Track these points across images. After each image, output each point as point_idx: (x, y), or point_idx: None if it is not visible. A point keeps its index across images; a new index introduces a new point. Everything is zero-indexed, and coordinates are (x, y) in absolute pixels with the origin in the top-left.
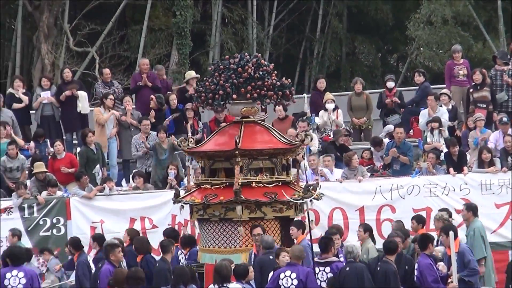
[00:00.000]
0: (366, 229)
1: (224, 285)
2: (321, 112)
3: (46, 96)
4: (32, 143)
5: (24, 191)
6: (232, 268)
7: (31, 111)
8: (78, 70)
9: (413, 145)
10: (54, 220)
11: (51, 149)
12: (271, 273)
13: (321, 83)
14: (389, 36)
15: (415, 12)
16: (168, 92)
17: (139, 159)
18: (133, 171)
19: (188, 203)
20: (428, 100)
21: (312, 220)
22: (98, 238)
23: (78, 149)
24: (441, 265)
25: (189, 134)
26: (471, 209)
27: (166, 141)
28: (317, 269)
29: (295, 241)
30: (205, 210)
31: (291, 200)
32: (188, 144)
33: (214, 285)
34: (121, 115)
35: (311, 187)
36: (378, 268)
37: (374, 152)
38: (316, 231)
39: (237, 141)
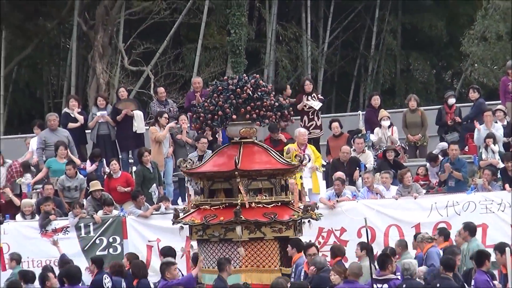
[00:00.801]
0: (363, 247)
1: None
2: (376, 129)
3: (102, 115)
4: (88, 162)
5: (80, 210)
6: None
7: (86, 131)
8: (133, 89)
9: (468, 162)
10: (111, 239)
11: (107, 169)
12: None
13: (376, 100)
14: (443, 52)
15: (469, 28)
16: None
17: None
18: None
19: (187, 224)
20: (484, 116)
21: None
22: (97, 261)
23: (134, 168)
24: (497, 283)
25: None
26: (468, 229)
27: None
28: (375, 286)
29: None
30: (205, 230)
31: (291, 220)
32: (186, 166)
33: None
34: (177, 133)
35: (310, 207)
36: (438, 285)
37: (430, 169)
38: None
39: (237, 161)
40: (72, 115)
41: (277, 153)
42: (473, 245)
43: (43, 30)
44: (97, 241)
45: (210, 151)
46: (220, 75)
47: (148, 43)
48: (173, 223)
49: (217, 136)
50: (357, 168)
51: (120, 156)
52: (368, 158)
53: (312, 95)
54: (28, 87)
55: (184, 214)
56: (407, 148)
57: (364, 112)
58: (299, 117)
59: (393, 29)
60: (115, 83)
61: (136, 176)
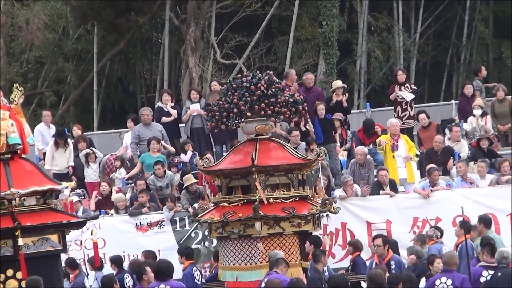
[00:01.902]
0: (462, 226)
1: None
2: (470, 118)
3: (195, 109)
4: (182, 155)
5: (175, 204)
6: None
7: (180, 125)
8: (226, 82)
9: None
10: (206, 232)
11: (199, 162)
12: (423, 279)
13: (469, 89)
14: None
15: None
16: (317, 101)
17: None
18: None
19: (206, 222)
20: None
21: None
22: (116, 261)
23: None
24: None
25: (338, 143)
26: (483, 221)
27: (315, 151)
28: (485, 272)
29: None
30: (224, 228)
31: (309, 214)
32: (203, 164)
33: None
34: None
35: (328, 201)
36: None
37: None
38: None
39: (254, 157)
40: (166, 109)
41: (293, 148)
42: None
43: (135, 25)
44: (193, 234)
45: (303, 143)
46: (313, 67)
47: (240, 36)
48: (191, 221)
49: (307, 127)
50: (451, 158)
51: (214, 149)
52: (463, 147)
53: (405, 85)
54: (121, 82)
55: (203, 212)
56: (499, 137)
57: (457, 101)
58: (392, 107)
59: (485, 18)
60: (208, 76)
61: None
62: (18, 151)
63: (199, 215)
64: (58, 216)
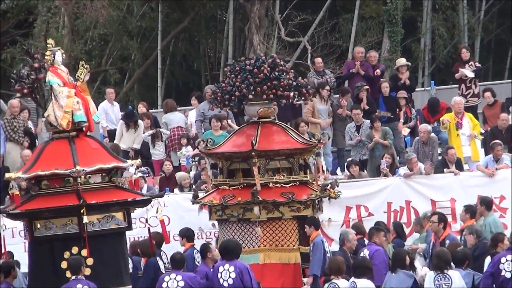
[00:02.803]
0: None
1: (445, 271)
2: None
3: None
4: None
5: None
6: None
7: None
8: (290, 60)
9: None
10: None
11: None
12: (488, 258)
13: None
14: None
15: None
16: (381, 80)
17: (353, 148)
18: (348, 159)
19: (206, 204)
20: None
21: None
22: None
23: None
24: None
25: (401, 121)
26: (485, 203)
27: (379, 130)
28: None
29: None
30: (224, 211)
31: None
32: (206, 146)
33: (435, 271)
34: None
35: (329, 185)
36: None
37: None
38: None
39: (253, 142)
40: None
41: (296, 132)
42: (489, 220)
43: (199, 3)
44: None
45: (367, 121)
46: (377, 45)
47: (304, 14)
48: (192, 203)
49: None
50: None
51: None
52: None
53: (469, 63)
54: (185, 60)
55: (203, 194)
56: None
57: None
58: (457, 85)
59: None
60: (273, 54)
61: None
62: (84, 129)
63: (199, 198)
64: (123, 194)
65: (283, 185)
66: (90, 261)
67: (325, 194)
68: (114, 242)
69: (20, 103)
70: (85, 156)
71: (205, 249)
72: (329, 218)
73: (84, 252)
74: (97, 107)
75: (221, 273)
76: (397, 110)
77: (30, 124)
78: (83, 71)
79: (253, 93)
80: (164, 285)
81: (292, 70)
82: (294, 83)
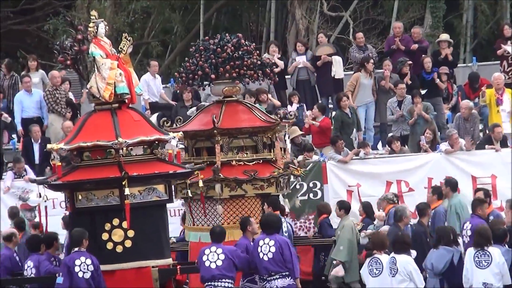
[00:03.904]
0: (341, 207)
1: (485, 248)
2: None
3: (301, 60)
4: (289, 107)
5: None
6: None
7: (286, 76)
8: (332, 35)
9: None
10: (311, 184)
11: (307, 113)
12: None
13: None
14: None
15: None
16: (423, 55)
17: (395, 123)
18: (389, 134)
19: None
20: None
21: None
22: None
23: (333, 113)
24: None
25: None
26: (450, 185)
27: (420, 106)
28: None
29: None
30: (189, 188)
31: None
32: (173, 124)
33: (475, 248)
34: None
35: (298, 164)
36: None
37: None
38: None
39: (215, 120)
40: (273, 61)
41: (262, 110)
42: (455, 201)
43: None
44: (297, 186)
45: (409, 96)
46: (419, 21)
47: None
48: None
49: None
50: None
51: (319, 101)
52: None
53: (511, 40)
54: (228, 33)
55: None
56: None
57: None
58: (498, 62)
59: None
60: (314, 28)
61: (335, 121)
62: (126, 101)
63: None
64: (165, 167)
65: (246, 163)
66: (131, 233)
67: (288, 172)
68: (155, 214)
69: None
70: (127, 128)
71: (245, 222)
72: (297, 197)
73: (125, 224)
74: (139, 79)
75: (261, 246)
76: (438, 86)
77: (71, 95)
78: (126, 43)
79: (215, 72)
80: (205, 257)
81: (258, 52)
82: (259, 62)
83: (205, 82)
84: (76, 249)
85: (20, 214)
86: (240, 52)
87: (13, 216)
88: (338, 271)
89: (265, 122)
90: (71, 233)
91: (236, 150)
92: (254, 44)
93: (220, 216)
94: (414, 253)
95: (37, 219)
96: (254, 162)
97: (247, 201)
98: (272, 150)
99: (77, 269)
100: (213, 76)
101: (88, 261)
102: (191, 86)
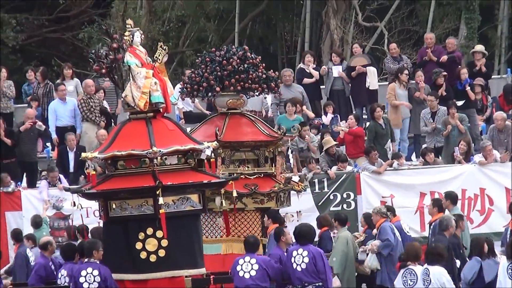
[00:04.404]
0: (336, 218)
1: None
2: None
3: (336, 70)
4: (324, 117)
5: (315, 165)
6: None
7: (321, 86)
8: (367, 45)
9: None
10: (344, 195)
11: (341, 124)
12: None
13: None
14: None
15: None
16: (459, 66)
17: (428, 134)
18: (423, 146)
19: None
20: None
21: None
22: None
23: (367, 124)
24: None
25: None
26: (450, 198)
27: (455, 117)
28: None
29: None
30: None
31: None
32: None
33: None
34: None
35: (300, 179)
36: None
37: None
38: None
39: (217, 133)
40: (308, 71)
41: (266, 124)
42: (455, 213)
43: None
44: (331, 197)
45: (444, 108)
46: (454, 31)
47: None
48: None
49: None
50: None
51: (353, 112)
52: None
53: None
54: (262, 43)
55: None
56: None
57: None
58: None
59: None
60: (349, 39)
61: (369, 132)
62: (161, 110)
63: None
64: (199, 176)
65: (247, 176)
66: (164, 242)
67: (289, 187)
68: (189, 224)
69: (94, 83)
70: (162, 137)
71: (279, 232)
72: (299, 211)
73: (159, 233)
74: (173, 88)
75: (294, 257)
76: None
77: (105, 104)
78: (162, 52)
79: (220, 85)
80: (239, 267)
81: (264, 65)
82: (264, 76)
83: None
84: (86, 259)
85: (42, 223)
86: (245, 65)
87: (36, 225)
88: (335, 281)
89: (268, 136)
90: (82, 244)
91: (238, 163)
92: (260, 57)
93: (220, 228)
94: (458, 262)
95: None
96: (255, 176)
97: (247, 215)
98: (273, 164)
99: (82, 279)
100: (218, 88)
101: (95, 272)
102: (196, 97)
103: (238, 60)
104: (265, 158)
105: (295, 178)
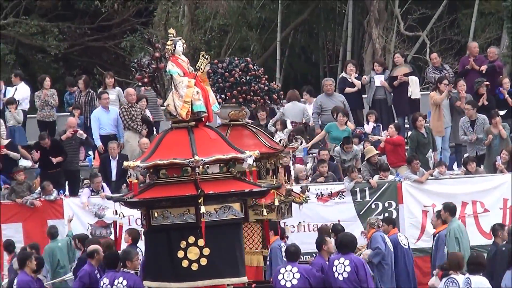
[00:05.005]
0: (333, 230)
1: None
2: None
3: (379, 80)
4: (366, 126)
5: (357, 174)
6: None
7: (363, 95)
8: (409, 54)
9: None
10: (386, 204)
11: (383, 133)
12: None
13: None
14: None
15: None
16: (501, 76)
17: (469, 144)
18: (465, 155)
19: None
20: None
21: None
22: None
23: (409, 133)
24: None
25: None
26: (449, 209)
27: (498, 126)
28: None
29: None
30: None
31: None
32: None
33: None
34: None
35: (301, 190)
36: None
37: None
38: None
39: None
40: (350, 80)
41: (268, 135)
42: (453, 226)
43: None
44: (373, 206)
45: (484, 116)
46: (496, 41)
47: (424, 8)
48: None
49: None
50: None
51: (395, 121)
52: None
53: None
54: (304, 52)
55: None
56: None
57: None
58: None
59: None
60: (391, 48)
61: (411, 141)
62: (203, 119)
63: None
64: (241, 185)
65: None
66: (206, 251)
67: (289, 199)
68: (230, 233)
69: (135, 92)
70: (204, 146)
71: (321, 241)
72: (299, 222)
73: (201, 242)
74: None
75: (336, 266)
76: None
77: (148, 113)
78: (204, 62)
79: (222, 97)
80: (280, 276)
81: (266, 76)
82: (266, 88)
83: None
84: (121, 269)
85: (57, 234)
86: (247, 77)
87: (51, 236)
88: None
89: (270, 148)
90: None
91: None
92: (262, 68)
93: None
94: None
95: (112, 236)
96: None
97: (248, 227)
98: (275, 176)
99: None
100: (220, 100)
101: (124, 282)
102: None
103: (240, 72)
104: (266, 170)
105: (296, 189)
